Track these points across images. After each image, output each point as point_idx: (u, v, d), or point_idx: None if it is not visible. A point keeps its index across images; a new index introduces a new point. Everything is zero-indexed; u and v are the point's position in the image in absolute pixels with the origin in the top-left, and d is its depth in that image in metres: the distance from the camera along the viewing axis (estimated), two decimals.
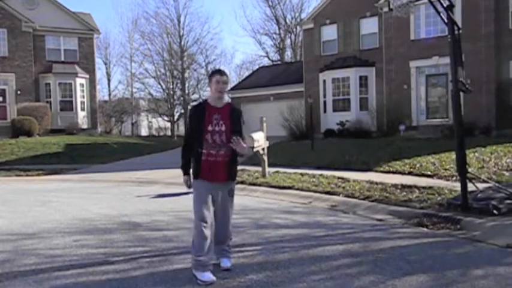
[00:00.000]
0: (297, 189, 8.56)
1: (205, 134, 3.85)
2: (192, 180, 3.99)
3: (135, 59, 44.58)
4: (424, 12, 18.60)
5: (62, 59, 25.68)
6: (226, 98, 3.86)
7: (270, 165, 10.61)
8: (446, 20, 6.34)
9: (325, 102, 22.31)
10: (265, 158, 10.23)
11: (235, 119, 3.97)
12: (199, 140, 3.87)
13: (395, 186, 8.09)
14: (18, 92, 23.69)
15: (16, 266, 4.34)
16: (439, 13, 6.53)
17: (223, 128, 3.87)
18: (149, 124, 47.18)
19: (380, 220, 6.21)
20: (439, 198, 6.89)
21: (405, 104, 19.43)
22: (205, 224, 3.81)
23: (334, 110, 21.83)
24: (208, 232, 3.82)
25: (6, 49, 23.72)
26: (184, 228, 5.89)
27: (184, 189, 9.92)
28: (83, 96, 26.13)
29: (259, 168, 10.45)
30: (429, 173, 9.35)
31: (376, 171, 10.21)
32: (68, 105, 25.46)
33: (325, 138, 20.23)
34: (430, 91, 19.45)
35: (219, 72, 3.94)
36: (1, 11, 23.58)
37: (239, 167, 13.44)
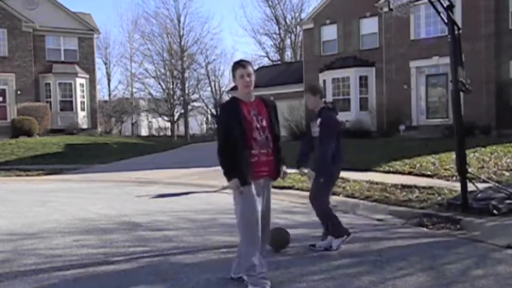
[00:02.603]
0: (297, 189, 8.56)
1: (252, 133, 3.46)
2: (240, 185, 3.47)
3: (135, 59, 44.61)
4: (424, 12, 18.60)
5: (62, 59, 25.70)
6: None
7: None
8: (446, 20, 6.34)
9: (325, 103, 22.27)
10: None
11: (271, 113, 3.62)
12: (243, 140, 3.43)
13: (395, 186, 8.09)
14: (18, 92, 23.70)
15: (16, 266, 4.34)
16: (439, 13, 6.53)
17: (264, 124, 3.54)
18: (149, 124, 47.20)
19: (380, 220, 6.21)
20: (439, 198, 6.89)
21: (405, 104, 19.43)
22: (257, 234, 3.48)
23: None
24: (258, 243, 3.51)
25: (6, 49, 23.73)
26: (184, 228, 5.89)
27: (184, 189, 9.96)
28: (83, 96, 26.14)
29: None
30: (429, 173, 9.34)
31: (376, 171, 10.21)
32: (68, 105, 25.47)
33: None
34: (430, 91, 19.45)
35: (241, 64, 3.52)
36: (1, 11, 23.58)
37: None
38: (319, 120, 4.71)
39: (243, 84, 3.49)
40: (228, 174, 3.47)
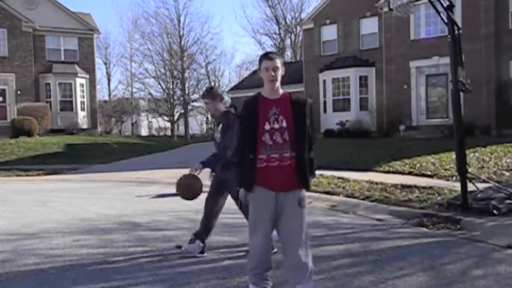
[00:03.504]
0: None
1: (261, 135, 3.08)
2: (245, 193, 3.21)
3: (135, 59, 44.61)
4: (424, 12, 18.60)
5: (62, 59, 25.70)
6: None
7: None
8: (446, 20, 6.34)
9: (325, 102, 22.31)
10: None
11: (297, 112, 3.13)
12: (251, 144, 3.10)
13: (395, 186, 8.09)
14: (18, 92, 23.70)
15: (16, 266, 4.34)
16: (439, 13, 6.53)
17: (284, 125, 3.08)
18: (149, 124, 47.19)
19: (380, 220, 6.21)
20: (439, 198, 6.88)
21: (405, 104, 19.44)
22: (263, 245, 3.17)
23: (334, 110, 21.83)
24: (267, 250, 3.26)
25: (6, 49, 23.74)
26: (184, 228, 5.89)
27: None
28: (83, 96, 26.14)
29: None
30: (429, 173, 9.34)
31: (376, 171, 10.20)
32: (68, 105, 25.47)
33: (325, 138, 20.22)
34: (430, 91, 19.46)
35: (267, 56, 3.15)
36: (1, 11, 23.59)
37: None
38: (220, 125, 4.55)
39: (267, 79, 3.12)
40: (237, 181, 3.26)
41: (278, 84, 3.14)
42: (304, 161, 3.11)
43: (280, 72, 3.14)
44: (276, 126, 3.08)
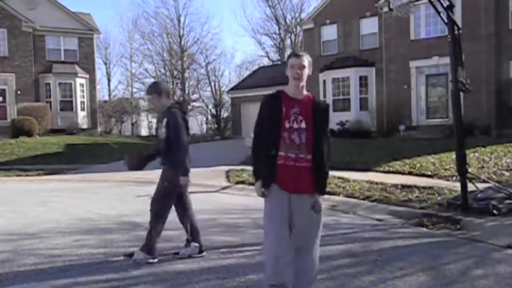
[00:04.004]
0: None
1: (281, 132, 3.02)
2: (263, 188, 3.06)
3: (135, 59, 44.56)
4: (424, 12, 18.59)
5: (62, 59, 25.69)
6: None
7: None
8: (446, 20, 6.34)
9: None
10: None
11: (318, 115, 3.08)
12: (272, 139, 3.02)
13: (395, 186, 8.09)
14: (18, 92, 23.70)
15: (16, 266, 4.34)
16: (439, 13, 6.53)
17: (303, 126, 3.02)
18: (149, 124, 47.17)
19: (380, 220, 6.21)
20: (439, 198, 6.89)
21: (405, 104, 19.44)
22: (282, 252, 2.92)
23: (334, 110, 21.79)
24: (286, 262, 2.94)
25: (6, 49, 23.73)
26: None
27: None
28: (83, 96, 26.14)
29: None
30: (429, 173, 9.34)
31: (376, 171, 10.21)
32: (68, 105, 25.46)
33: None
34: (430, 91, 19.46)
35: (295, 54, 3.13)
36: (1, 11, 23.58)
37: (238, 167, 13.38)
38: (165, 120, 4.43)
39: (292, 76, 3.07)
40: (254, 175, 3.16)
41: (303, 83, 3.09)
42: (321, 165, 3.05)
43: (307, 72, 3.09)
44: (295, 126, 3.03)
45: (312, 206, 3.03)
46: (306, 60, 3.08)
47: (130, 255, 4.42)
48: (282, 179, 3.00)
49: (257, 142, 3.14)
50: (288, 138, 3.01)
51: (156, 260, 4.35)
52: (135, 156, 4.87)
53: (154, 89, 4.55)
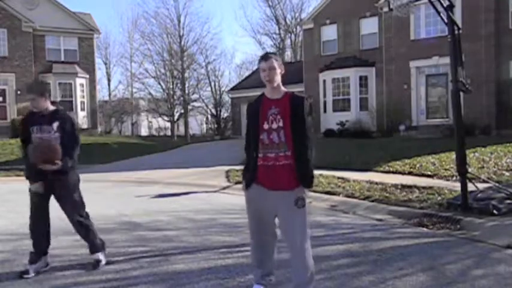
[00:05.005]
0: None
1: (260, 134, 3.16)
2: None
3: (135, 59, 44.64)
4: (424, 12, 18.60)
5: (62, 59, 25.70)
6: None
7: None
8: (446, 20, 6.34)
9: (325, 102, 22.31)
10: None
11: (294, 110, 3.13)
12: (254, 142, 3.20)
13: (395, 186, 8.09)
14: (18, 92, 23.69)
15: (16, 266, 4.34)
16: (439, 13, 6.53)
17: (281, 124, 3.12)
18: (149, 124, 47.19)
19: (380, 220, 6.20)
20: (439, 198, 6.88)
21: (405, 104, 19.45)
22: (258, 237, 3.34)
23: (334, 110, 21.83)
24: (265, 241, 3.35)
25: (6, 49, 23.74)
26: (184, 228, 5.89)
27: (185, 189, 9.95)
28: (83, 96, 26.15)
29: None
30: (429, 173, 9.34)
31: (376, 171, 10.21)
32: (68, 105, 25.42)
33: (325, 138, 20.22)
34: (430, 91, 19.46)
35: (263, 57, 3.22)
36: (1, 11, 23.59)
37: (238, 167, 13.36)
38: (56, 123, 4.16)
39: (264, 79, 3.19)
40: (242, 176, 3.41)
41: (276, 84, 3.18)
42: (301, 160, 3.11)
43: (278, 72, 3.17)
44: (274, 126, 3.13)
45: (296, 202, 3.11)
46: (275, 61, 3.17)
47: (97, 262, 4.27)
48: (262, 178, 3.17)
49: (246, 145, 3.33)
50: (267, 139, 3.14)
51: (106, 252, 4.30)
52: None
53: (38, 89, 4.27)
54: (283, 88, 3.24)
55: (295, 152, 3.11)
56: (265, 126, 3.15)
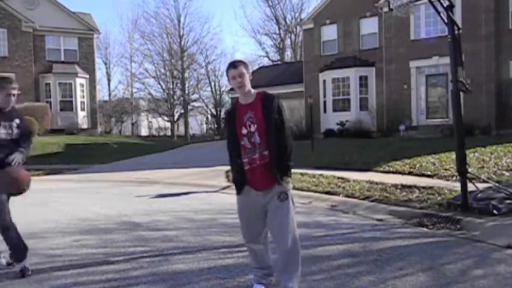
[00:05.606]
0: (297, 189, 8.55)
1: (241, 140, 3.30)
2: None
3: (135, 59, 44.73)
4: (424, 12, 18.60)
5: (62, 59, 25.71)
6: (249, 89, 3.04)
7: None
8: (446, 20, 6.33)
9: (325, 102, 22.31)
10: None
11: (266, 109, 3.26)
12: (236, 149, 3.33)
13: (395, 186, 8.09)
14: (18, 92, 23.66)
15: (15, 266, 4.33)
16: (439, 13, 6.53)
17: (257, 126, 3.27)
18: (149, 124, 47.21)
19: (380, 220, 6.20)
20: (439, 198, 6.88)
21: (405, 104, 19.44)
22: (251, 245, 3.50)
23: (334, 110, 21.83)
24: (257, 249, 3.49)
25: (6, 49, 23.75)
26: (184, 228, 5.89)
27: (184, 189, 9.95)
28: (83, 96, 26.15)
29: None
30: (429, 173, 9.33)
31: (376, 171, 10.20)
32: (68, 105, 25.47)
33: (325, 138, 20.23)
34: (430, 91, 19.46)
35: (232, 65, 3.35)
36: (1, 11, 23.59)
37: None
38: (17, 121, 4.16)
39: (235, 86, 3.32)
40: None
41: (247, 88, 3.33)
42: (274, 157, 3.25)
43: (247, 76, 3.32)
44: (252, 129, 3.27)
45: (278, 196, 3.28)
46: (243, 67, 3.32)
47: (23, 271, 4.06)
48: (251, 181, 3.32)
49: (229, 153, 3.43)
50: (249, 142, 3.28)
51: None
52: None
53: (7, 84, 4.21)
54: (253, 90, 3.37)
55: (269, 149, 3.25)
56: (244, 130, 3.28)
